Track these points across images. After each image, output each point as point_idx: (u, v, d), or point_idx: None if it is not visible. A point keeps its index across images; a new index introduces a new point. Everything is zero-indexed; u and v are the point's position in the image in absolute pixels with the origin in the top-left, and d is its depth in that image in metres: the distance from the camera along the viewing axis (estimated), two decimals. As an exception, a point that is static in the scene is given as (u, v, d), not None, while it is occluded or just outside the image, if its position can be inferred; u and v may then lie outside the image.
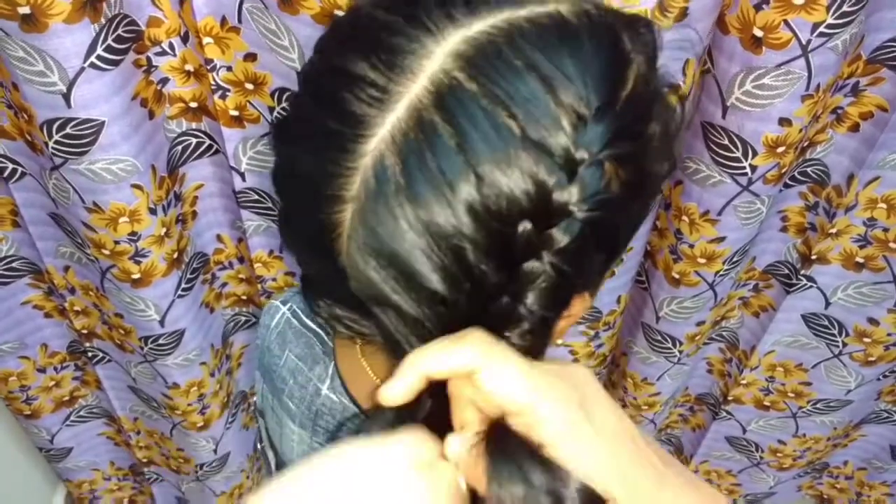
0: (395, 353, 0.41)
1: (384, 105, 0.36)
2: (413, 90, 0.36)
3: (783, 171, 0.89)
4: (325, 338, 0.60)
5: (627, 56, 0.38)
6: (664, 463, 0.41)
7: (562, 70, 0.35)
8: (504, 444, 0.36)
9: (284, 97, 0.90)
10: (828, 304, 1.14)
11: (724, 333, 1.27)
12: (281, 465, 0.66)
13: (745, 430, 1.42)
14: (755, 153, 0.86)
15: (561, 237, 0.36)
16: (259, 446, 0.70)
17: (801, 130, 0.84)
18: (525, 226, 0.36)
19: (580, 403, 0.37)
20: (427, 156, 0.35)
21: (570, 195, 0.36)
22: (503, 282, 0.37)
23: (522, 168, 0.35)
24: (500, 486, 0.35)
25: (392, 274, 0.37)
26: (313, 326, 0.62)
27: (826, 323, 1.17)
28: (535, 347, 0.40)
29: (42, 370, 1.23)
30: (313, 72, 0.41)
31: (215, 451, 1.34)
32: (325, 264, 0.41)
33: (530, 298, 0.37)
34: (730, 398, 1.34)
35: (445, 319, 0.38)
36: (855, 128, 0.93)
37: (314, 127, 0.39)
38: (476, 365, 0.36)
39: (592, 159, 0.36)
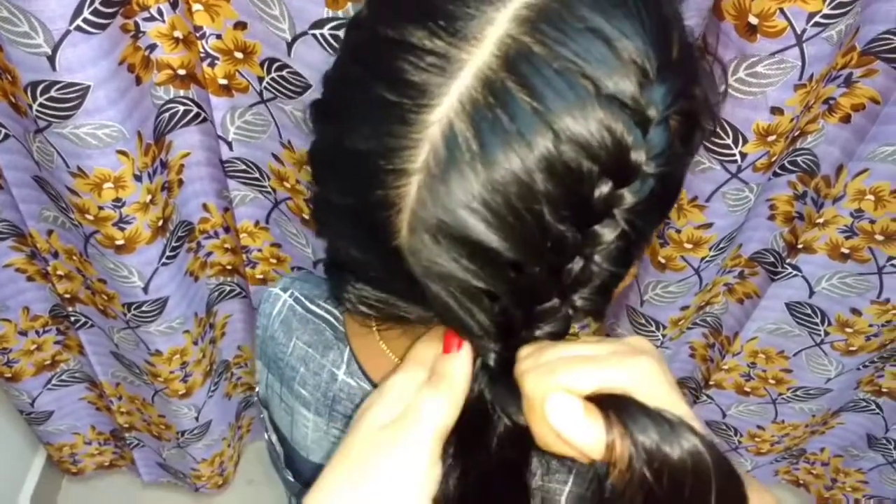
0: (456, 329, 0.42)
1: (447, 73, 0.35)
2: (479, 56, 0.35)
3: (773, 159, 0.89)
4: (335, 323, 0.59)
5: (670, 19, 0.39)
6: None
7: (621, 31, 0.35)
8: (621, 403, 0.37)
9: (274, 67, 0.89)
10: (812, 293, 1.15)
11: (707, 319, 1.28)
12: (290, 454, 0.65)
13: (724, 415, 1.43)
14: (745, 141, 0.86)
15: (633, 195, 0.37)
16: (266, 436, 0.69)
17: (792, 120, 0.84)
18: (604, 184, 0.36)
19: (660, 364, 0.40)
20: (502, 119, 0.34)
21: (644, 152, 0.36)
22: (577, 243, 0.37)
23: (601, 124, 0.35)
24: (637, 432, 0.36)
25: (462, 244, 0.36)
26: (320, 312, 0.60)
27: (809, 311, 1.18)
28: (598, 309, 0.40)
29: (24, 333, 1.23)
30: (362, 46, 0.40)
31: (197, 418, 1.34)
32: (373, 247, 0.40)
33: (600, 258, 0.38)
34: (711, 383, 1.35)
35: (517, 288, 0.38)
36: (846, 119, 0.93)
37: (369, 102, 0.37)
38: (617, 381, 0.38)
39: (661, 117, 0.36)
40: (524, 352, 0.41)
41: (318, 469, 0.63)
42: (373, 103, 0.37)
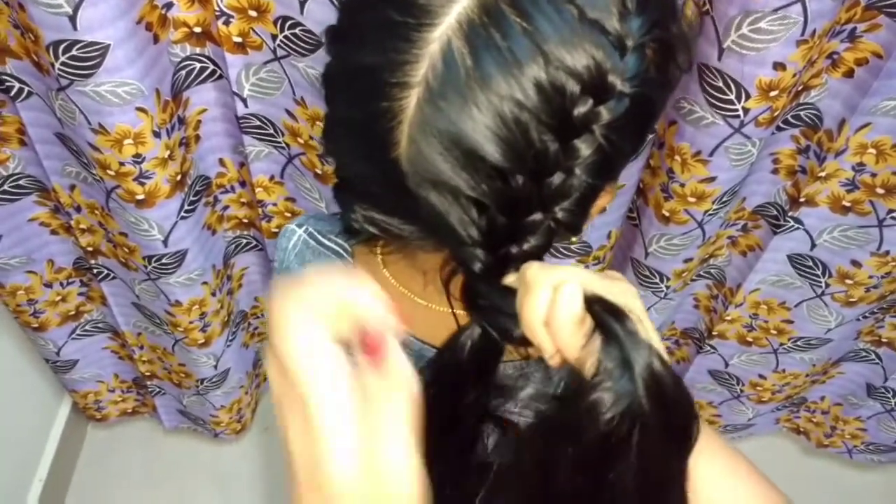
0: (444, 242, 0.45)
1: None
2: None
3: (775, 114, 0.91)
4: (344, 255, 0.64)
5: None
6: None
7: None
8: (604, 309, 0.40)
9: (287, 25, 0.91)
10: (813, 245, 1.17)
11: (711, 271, 1.31)
12: None
13: (727, 365, 1.46)
14: (748, 96, 0.87)
15: (609, 113, 0.40)
16: None
17: (794, 75, 0.86)
18: (584, 101, 0.40)
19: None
20: (496, 39, 0.39)
21: (621, 74, 0.40)
22: (558, 155, 0.41)
23: (585, 48, 0.39)
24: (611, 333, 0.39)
25: (455, 153, 0.40)
26: (331, 245, 0.65)
27: (811, 264, 1.20)
28: (576, 223, 0.45)
29: (49, 285, 1.27)
30: None
31: (215, 367, 1.39)
32: (375, 159, 0.43)
33: (580, 170, 0.42)
34: (714, 333, 1.39)
35: (504, 196, 0.42)
36: (849, 73, 0.94)
37: (376, 21, 0.42)
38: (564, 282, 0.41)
39: (637, 43, 0.40)
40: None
41: None
42: (380, 23, 0.41)
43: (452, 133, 0.40)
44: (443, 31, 0.39)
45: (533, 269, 0.42)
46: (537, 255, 0.44)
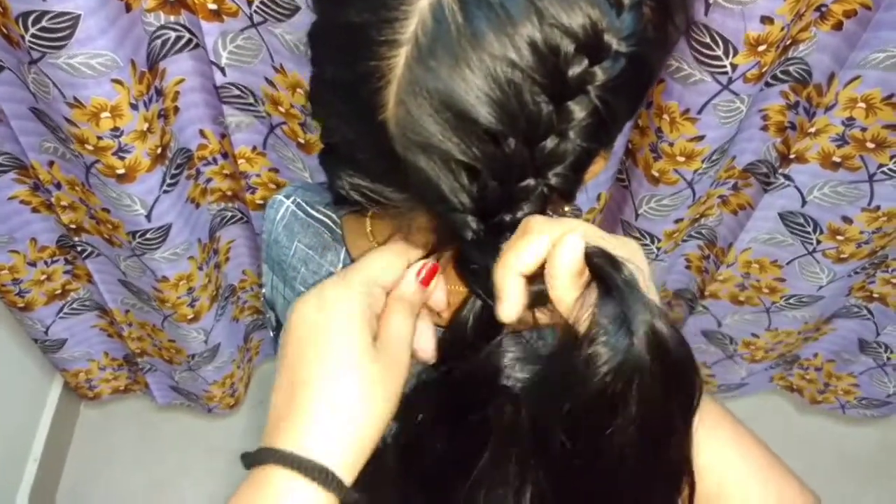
0: (434, 209, 0.44)
1: None
2: None
3: (764, 70, 0.89)
4: (333, 226, 0.63)
5: None
6: None
7: None
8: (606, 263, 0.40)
9: (263, -10, 0.89)
10: (804, 202, 1.16)
11: (702, 231, 1.30)
12: None
13: (720, 325, 1.46)
14: (736, 52, 0.86)
15: (605, 73, 0.39)
16: (271, 334, 0.74)
17: (783, 29, 0.84)
18: (579, 61, 0.38)
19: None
20: None
21: (617, 33, 0.39)
22: (552, 117, 0.40)
23: (580, 6, 0.37)
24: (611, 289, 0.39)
25: (445, 114, 0.39)
26: (319, 216, 0.64)
27: (802, 221, 1.19)
28: (570, 189, 0.43)
29: (33, 264, 1.26)
30: None
31: (206, 342, 1.38)
32: (362, 122, 0.42)
33: (574, 133, 0.40)
34: (706, 293, 1.38)
35: (495, 161, 0.40)
36: (838, 26, 0.93)
37: None
38: (558, 237, 0.40)
39: (634, 1, 0.39)
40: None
41: None
42: None
43: (442, 94, 0.38)
44: None
45: (535, 219, 0.41)
46: None
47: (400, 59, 0.39)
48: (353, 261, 0.60)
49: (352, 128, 0.44)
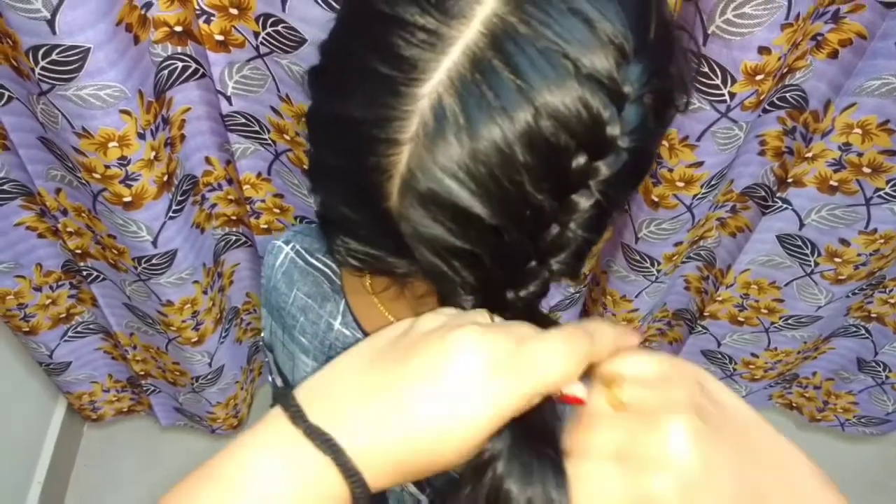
0: (436, 284, 0.44)
1: (438, 49, 0.37)
2: (467, 34, 0.37)
3: (761, 98, 0.91)
4: (333, 276, 0.63)
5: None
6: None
7: (601, 12, 0.38)
8: None
9: (270, 22, 0.90)
10: (802, 225, 1.18)
11: (701, 252, 1.31)
12: None
13: (719, 344, 1.47)
14: (734, 81, 0.87)
15: (607, 168, 0.39)
16: (270, 378, 0.74)
17: (780, 58, 0.86)
18: (580, 157, 0.38)
19: (677, 490, 0.37)
20: (487, 95, 0.37)
21: (619, 128, 0.38)
22: (554, 211, 0.40)
23: (580, 101, 0.37)
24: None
25: (448, 213, 0.39)
26: (319, 265, 0.64)
27: (800, 243, 1.21)
28: (573, 271, 0.43)
29: (38, 289, 1.26)
30: (357, 18, 0.42)
31: (210, 364, 1.39)
32: (364, 208, 0.42)
33: (575, 225, 0.40)
34: (706, 314, 1.40)
35: (498, 250, 0.40)
36: (834, 55, 0.95)
37: (362, 73, 0.40)
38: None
39: (636, 95, 0.38)
40: None
41: None
42: (366, 75, 0.39)
43: (444, 190, 0.38)
44: (433, 86, 0.37)
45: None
46: (534, 301, 0.43)
47: (402, 156, 0.39)
48: (352, 314, 0.61)
49: (353, 210, 0.44)
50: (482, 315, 0.42)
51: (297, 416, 0.38)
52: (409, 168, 0.39)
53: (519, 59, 0.37)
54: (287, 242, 0.67)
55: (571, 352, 0.39)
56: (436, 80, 0.37)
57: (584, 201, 0.39)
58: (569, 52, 0.37)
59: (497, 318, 0.43)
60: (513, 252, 0.41)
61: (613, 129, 0.38)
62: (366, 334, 0.60)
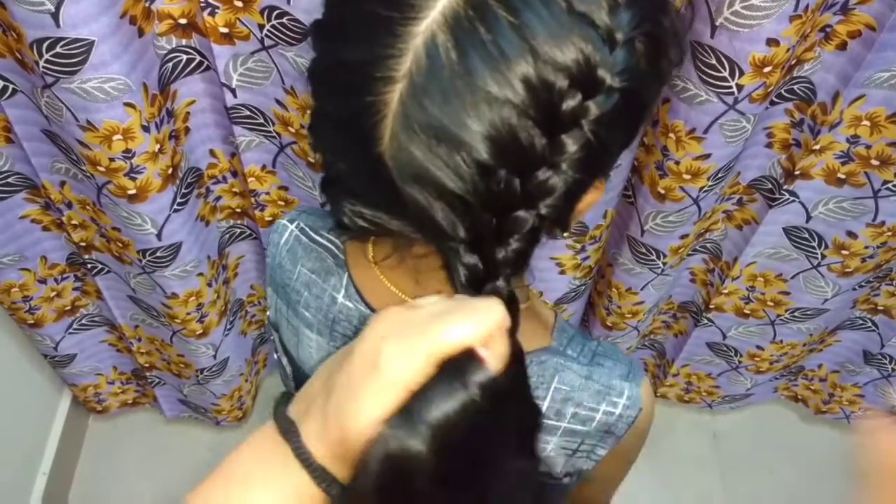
0: (431, 240, 0.44)
1: None
2: None
3: (769, 90, 0.90)
4: (336, 251, 0.63)
5: None
6: None
7: None
8: None
9: (274, 15, 0.90)
10: (809, 217, 1.17)
11: (707, 245, 1.31)
12: (297, 372, 0.70)
13: (725, 337, 1.47)
14: (742, 73, 0.87)
15: (598, 108, 0.40)
16: (275, 356, 0.75)
17: (788, 50, 0.85)
18: (572, 96, 0.39)
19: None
20: (481, 32, 0.38)
21: (610, 68, 0.39)
22: (545, 150, 0.40)
23: (573, 42, 0.38)
24: None
25: (439, 148, 0.40)
26: (323, 241, 0.65)
27: (806, 236, 1.20)
28: (563, 219, 0.45)
29: (43, 281, 1.26)
30: None
31: (214, 356, 1.39)
32: (361, 154, 0.43)
33: (566, 165, 0.41)
34: (711, 306, 1.39)
35: (487, 193, 0.41)
36: (843, 46, 0.94)
37: (361, 16, 0.41)
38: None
39: (627, 37, 0.39)
40: None
41: None
42: (365, 18, 0.41)
43: (435, 129, 0.39)
44: (427, 24, 0.38)
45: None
46: (522, 257, 0.43)
47: (395, 94, 0.39)
48: (355, 286, 0.61)
49: (350, 160, 0.45)
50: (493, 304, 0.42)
51: (287, 433, 0.43)
52: (401, 104, 0.40)
53: None
54: (292, 221, 0.68)
55: (473, 322, 0.40)
56: (431, 18, 0.38)
57: (574, 141, 0.40)
58: None
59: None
60: (502, 194, 0.41)
61: (604, 70, 0.39)
62: (368, 306, 0.61)
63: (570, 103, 0.39)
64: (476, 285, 0.43)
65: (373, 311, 0.61)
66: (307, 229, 0.67)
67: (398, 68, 0.39)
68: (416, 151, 0.40)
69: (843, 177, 1.09)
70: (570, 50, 0.38)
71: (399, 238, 0.48)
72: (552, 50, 0.38)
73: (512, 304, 0.42)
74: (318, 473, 0.41)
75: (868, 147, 1.04)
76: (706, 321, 1.43)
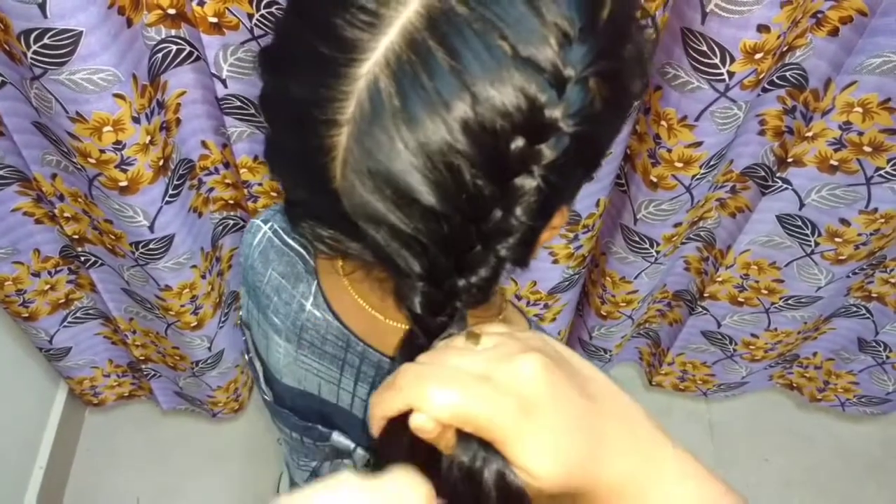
0: (387, 268, 0.43)
1: (376, 29, 0.37)
2: (404, 14, 0.37)
3: (761, 77, 0.90)
4: (307, 257, 0.63)
5: None
6: (657, 447, 0.44)
7: None
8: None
9: (263, 4, 0.89)
10: (802, 205, 1.17)
11: (701, 233, 1.31)
12: (268, 375, 0.69)
13: (719, 325, 1.47)
14: (733, 60, 0.87)
15: (550, 152, 0.38)
16: (246, 357, 0.74)
17: (779, 37, 0.85)
18: (518, 142, 0.37)
19: (518, 407, 0.39)
20: (422, 77, 0.36)
21: (559, 111, 0.37)
22: (495, 196, 0.39)
23: (515, 85, 0.36)
24: (458, 452, 0.40)
25: (388, 194, 0.38)
26: (295, 245, 0.64)
27: (800, 223, 1.20)
28: (521, 258, 0.43)
29: (36, 274, 1.26)
30: (303, 0, 0.42)
31: (209, 348, 1.39)
32: (316, 189, 0.42)
33: (520, 211, 0.39)
34: (706, 294, 1.39)
35: (439, 234, 0.40)
36: (834, 32, 0.94)
37: (305, 54, 0.40)
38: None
39: (578, 76, 0.37)
40: (422, 355, 0.42)
41: (290, 391, 0.68)
42: (309, 56, 0.39)
43: (382, 174, 0.38)
44: (369, 67, 0.37)
45: (405, 374, 0.40)
46: (485, 287, 0.42)
47: (342, 137, 0.38)
48: (323, 295, 0.61)
49: (307, 192, 0.45)
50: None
51: None
52: (348, 149, 0.39)
53: (454, 40, 0.36)
54: (266, 221, 0.67)
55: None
56: (373, 61, 0.37)
57: (526, 185, 0.39)
58: (506, 34, 0.36)
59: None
60: (456, 237, 0.40)
61: (553, 112, 0.37)
62: (336, 316, 0.60)
63: (516, 147, 0.37)
64: (432, 311, 0.43)
65: (340, 321, 0.60)
66: (280, 231, 0.65)
67: (343, 112, 0.38)
68: (368, 195, 0.39)
69: (835, 164, 1.09)
70: (510, 93, 0.36)
71: (359, 259, 0.47)
72: (492, 94, 0.36)
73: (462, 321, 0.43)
74: None
75: (860, 134, 1.04)
76: (701, 309, 1.43)
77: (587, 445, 0.41)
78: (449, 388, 0.39)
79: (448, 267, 0.41)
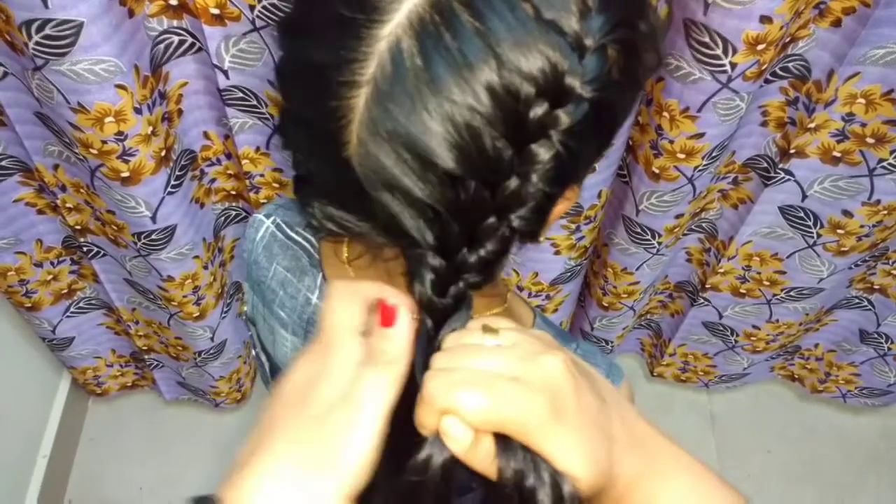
0: (400, 244, 0.44)
1: None
2: None
3: (763, 68, 0.90)
4: (311, 250, 0.63)
5: None
6: (656, 445, 0.45)
7: None
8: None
9: (264, -6, 0.89)
10: (804, 196, 1.17)
11: (703, 224, 1.31)
12: (275, 369, 0.70)
13: (721, 316, 1.47)
14: (735, 50, 0.86)
15: (568, 117, 0.38)
16: (253, 352, 0.74)
17: (781, 28, 0.85)
18: (540, 106, 0.38)
19: (550, 406, 0.39)
20: (446, 38, 0.37)
21: (579, 77, 0.38)
22: (513, 162, 0.39)
23: (540, 50, 0.37)
24: (506, 460, 0.39)
25: (405, 155, 0.39)
26: (298, 239, 0.64)
27: (802, 215, 1.20)
28: (533, 230, 0.43)
29: (39, 265, 1.27)
30: None
31: (212, 338, 1.39)
32: (328, 157, 0.42)
33: (536, 177, 0.39)
34: (707, 286, 1.39)
35: (456, 202, 0.40)
36: (837, 23, 0.93)
37: (327, 17, 0.40)
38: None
39: (597, 44, 0.38)
40: (439, 356, 0.41)
41: None
42: (331, 19, 0.39)
43: (401, 136, 0.38)
44: (392, 28, 0.37)
45: (430, 383, 0.39)
46: (491, 265, 0.42)
47: (360, 99, 0.39)
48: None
49: (319, 161, 0.45)
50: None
51: None
52: (366, 110, 0.39)
53: (478, 2, 0.37)
54: (268, 216, 0.67)
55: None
56: (395, 22, 0.37)
57: (543, 152, 0.39)
58: None
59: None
60: (471, 204, 0.40)
61: (573, 79, 0.38)
62: None
63: (536, 112, 0.38)
64: (441, 289, 0.42)
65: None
66: (283, 225, 0.66)
67: (363, 73, 0.38)
68: (384, 159, 0.39)
69: (838, 155, 1.09)
70: (535, 57, 0.37)
71: (369, 242, 0.47)
72: (517, 57, 0.37)
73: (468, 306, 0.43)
74: None
75: (863, 125, 1.03)
76: (702, 301, 1.43)
77: (606, 445, 0.41)
78: (479, 390, 0.38)
79: (460, 238, 0.41)
